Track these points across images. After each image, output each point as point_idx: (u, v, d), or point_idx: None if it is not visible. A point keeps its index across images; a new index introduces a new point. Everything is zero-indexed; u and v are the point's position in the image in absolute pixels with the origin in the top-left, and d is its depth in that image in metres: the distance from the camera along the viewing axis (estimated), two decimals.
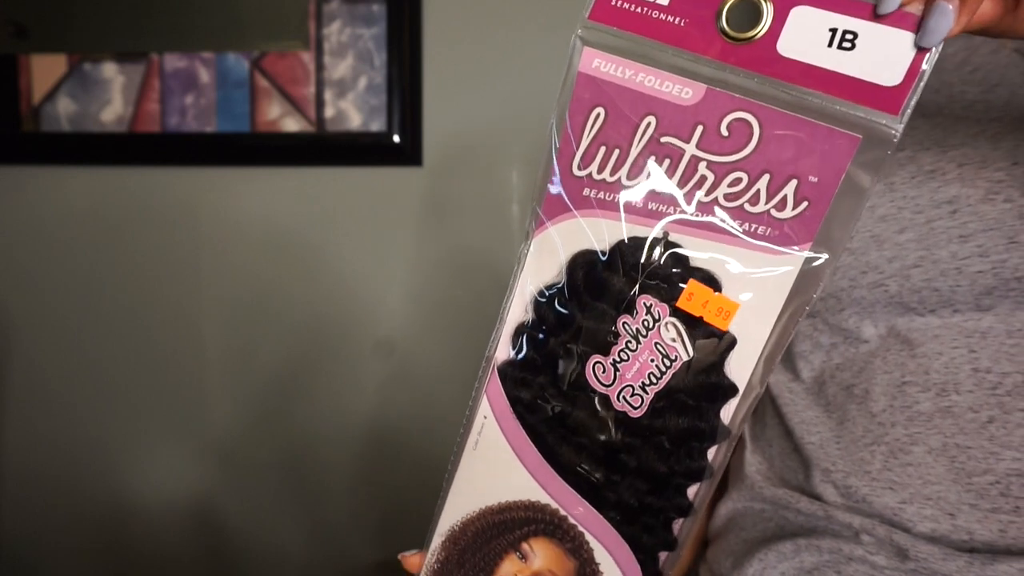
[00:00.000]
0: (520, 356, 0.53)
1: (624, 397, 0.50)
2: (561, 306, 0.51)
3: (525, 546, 0.56)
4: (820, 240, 0.45)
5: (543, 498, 0.55)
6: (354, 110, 1.51)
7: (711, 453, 0.51)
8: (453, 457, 0.57)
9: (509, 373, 0.54)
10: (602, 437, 0.52)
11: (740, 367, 0.49)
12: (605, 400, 0.51)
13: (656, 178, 0.47)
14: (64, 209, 1.61)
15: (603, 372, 0.50)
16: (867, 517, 0.70)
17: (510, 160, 1.52)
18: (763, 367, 0.48)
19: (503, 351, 0.54)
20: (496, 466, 0.55)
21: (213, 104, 1.54)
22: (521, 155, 1.51)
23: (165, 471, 1.67)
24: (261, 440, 1.64)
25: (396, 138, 1.51)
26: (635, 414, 0.51)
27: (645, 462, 0.52)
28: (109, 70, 1.55)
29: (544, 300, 0.51)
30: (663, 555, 0.55)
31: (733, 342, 0.48)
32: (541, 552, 0.56)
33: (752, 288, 0.47)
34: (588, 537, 0.54)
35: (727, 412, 0.50)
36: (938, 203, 0.64)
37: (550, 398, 0.53)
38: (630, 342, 0.49)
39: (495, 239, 1.52)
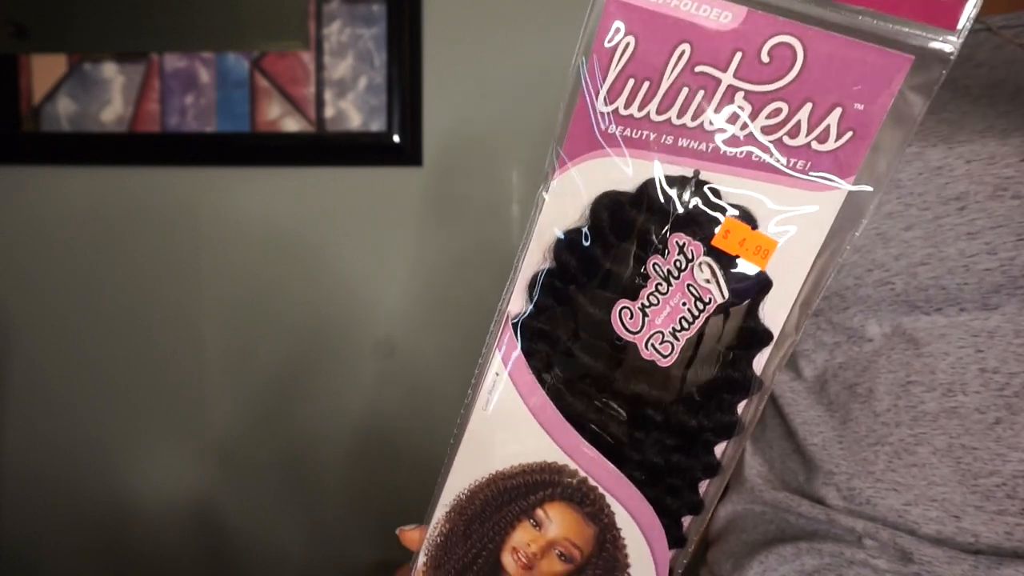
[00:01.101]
0: (537, 306, 0.50)
1: (653, 344, 0.48)
2: (584, 249, 0.48)
3: (540, 512, 0.53)
4: (864, 173, 0.43)
5: (561, 459, 0.52)
6: (354, 110, 1.51)
7: (741, 407, 0.50)
8: (460, 420, 0.54)
9: (525, 324, 0.51)
10: (626, 390, 0.49)
11: (774, 312, 0.47)
12: (632, 350, 0.48)
13: (689, 112, 0.45)
14: (64, 209, 1.60)
15: (631, 318, 0.48)
16: (870, 520, 0.69)
17: (510, 160, 1.51)
18: (798, 313, 0.46)
19: (517, 304, 0.51)
20: (509, 426, 0.52)
21: (213, 104, 1.53)
22: (521, 155, 1.51)
23: (165, 471, 1.66)
24: (261, 440, 1.63)
25: (396, 138, 1.50)
26: (664, 363, 0.48)
27: (673, 416, 0.49)
28: (109, 70, 1.54)
29: (565, 244, 0.48)
30: (687, 520, 0.52)
31: (768, 284, 0.46)
32: (557, 518, 0.53)
33: (789, 226, 0.45)
34: (609, 500, 0.52)
35: (759, 362, 0.48)
36: (946, 200, 0.64)
37: (570, 350, 0.50)
38: (660, 284, 0.47)
39: (495, 239, 1.52)
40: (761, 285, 0.46)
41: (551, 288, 0.50)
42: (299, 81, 1.51)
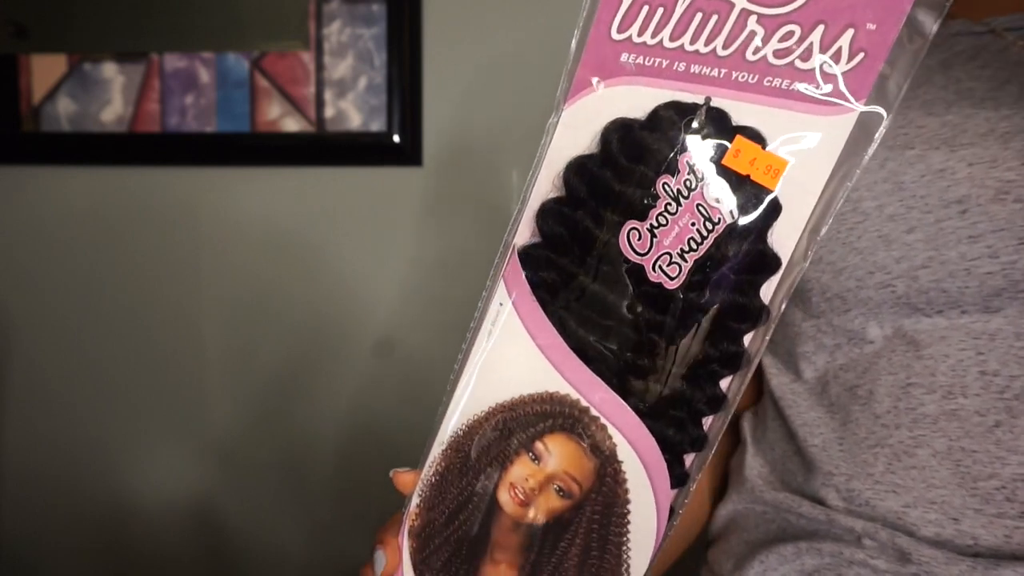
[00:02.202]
0: (544, 234, 0.50)
1: (660, 266, 0.47)
2: (593, 174, 0.48)
3: (539, 445, 0.52)
4: (876, 95, 0.43)
5: (563, 388, 0.51)
6: (354, 110, 1.50)
7: (747, 340, 0.49)
8: (461, 356, 0.53)
9: (531, 253, 0.50)
10: (632, 316, 0.48)
11: (783, 239, 0.46)
12: (638, 273, 0.48)
13: (702, 38, 0.44)
14: (64, 209, 1.60)
15: (639, 239, 0.47)
16: (870, 521, 0.69)
17: (510, 160, 1.50)
18: (807, 239, 0.46)
19: (524, 234, 0.51)
20: (511, 357, 0.51)
21: (213, 104, 1.53)
22: (521, 155, 1.50)
23: (165, 471, 1.65)
24: (261, 440, 1.63)
25: (396, 138, 1.50)
26: (671, 285, 0.47)
27: (678, 343, 0.48)
28: (109, 70, 1.54)
29: (574, 169, 0.48)
30: (689, 458, 0.51)
31: (778, 207, 0.45)
32: (557, 451, 0.52)
33: (800, 150, 0.44)
34: (611, 431, 0.50)
35: (766, 291, 0.47)
36: (947, 203, 0.64)
37: (577, 276, 0.49)
38: (670, 204, 0.46)
39: (495, 239, 1.50)
40: (771, 207, 0.46)
41: (559, 215, 0.49)
42: (299, 81, 1.51)
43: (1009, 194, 0.61)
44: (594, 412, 0.50)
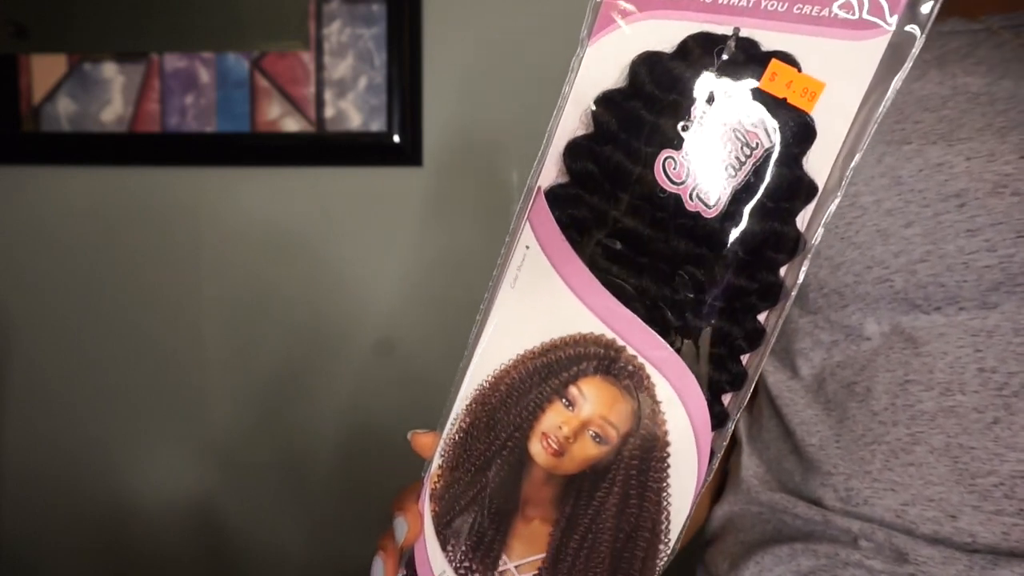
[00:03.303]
0: (573, 172, 0.48)
1: (698, 195, 0.45)
2: (624, 107, 0.46)
3: (573, 390, 0.49)
4: (908, 14, 0.41)
5: (596, 328, 0.48)
6: (354, 110, 1.50)
7: (783, 271, 0.47)
8: (483, 306, 0.51)
9: (559, 193, 0.48)
10: (668, 250, 0.46)
11: (817, 166, 0.45)
12: (675, 203, 0.46)
13: None
14: (64, 209, 1.59)
15: (675, 168, 0.45)
16: (867, 522, 0.69)
17: (510, 160, 1.50)
18: (840, 167, 0.44)
19: (549, 174, 0.49)
20: (539, 299, 0.49)
21: (213, 104, 1.52)
22: (521, 155, 1.50)
23: (165, 471, 1.64)
24: (261, 440, 1.62)
25: (396, 138, 1.49)
26: (709, 214, 0.45)
27: (717, 275, 0.46)
28: (109, 70, 1.53)
29: (603, 103, 0.46)
30: (727, 398, 0.49)
31: (814, 132, 0.44)
32: (592, 395, 0.49)
33: (833, 75, 0.43)
34: (650, 370, 0.47)
35: (802, 220, 0.46)
36: (945, 196, 0.64)
37: (608, 212, 0.47)
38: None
39: (495, 239, 1.50)
40: (807, 130, 0.44)
41: (588, 151, 0.47)
42: (299, 81, 1.50)
43: (1007, 187, 0.62)
44: (630, 351, 0.47)
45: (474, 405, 0.52)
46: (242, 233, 1.58)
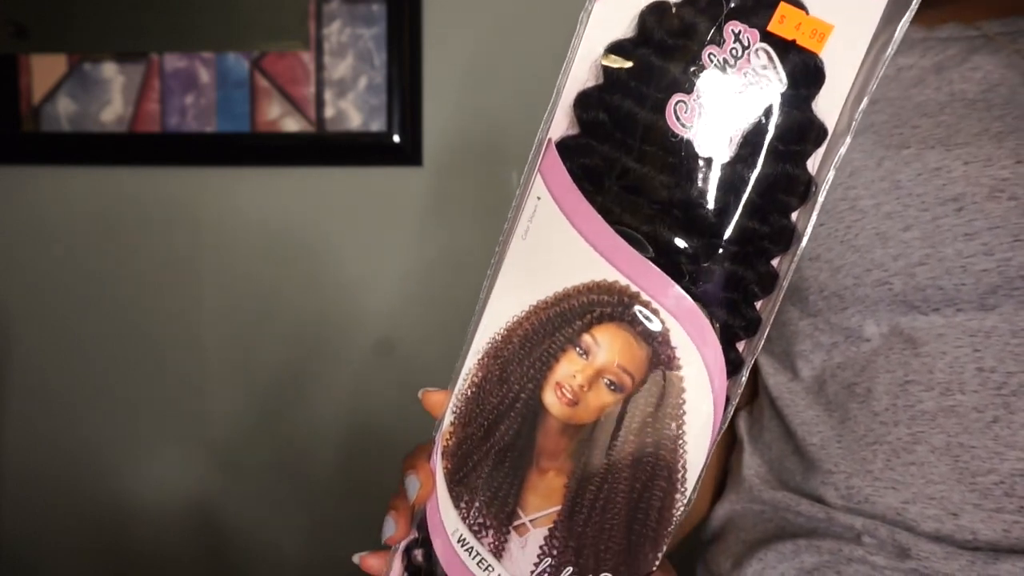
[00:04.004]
0: (584, 122, 0.47)
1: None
2: (635, 54, 0.45)
3: (587, 338, 0.48)
4: None
5: (610, 275, 0.47)
6: (354, 110, 1.49)
7: (794, 216, 0.46)
8: (494, 260, 0.50)
9: (570, 144, 0.48)
10: (681, 195, 0.46)
11: (826, 110, 0.45)
12: (687, 147, 0.45)
13: None
14: (64, 209, 1.58)
15: (686, 112, 0.45)
16: (869, 518, 0.69)
17: (510, 160, 1.49)
18: (849, 111, 0.44)
19: (560, 126, 0.48)
20: (551, 250, 0.48)
21: (213, 104, 1.52)
22: (521, 155, 1.50)
23: (165, 471, 1.64)
24: (261, 440, 1.61)
25: (396, 138, 1.49)
26: (720, 158, 0.45)
27: (730, 219, 0.45)
28: (109, 70, 1.52)
29: (614, 52, 0.46)
30: (741, 345, 0.48)
31: (823, 74, 0.44)
32: (607, 342, 0.48)
33: (841, 17, 0.43)
34: (664, 315, 0.46)
35: (812, 164, 0.45)
36: (944, 200, 0.65)
37: (620, 160, 0.46)
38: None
39: (495, 239, 1.50)
40: (816, 72, 0.44)
41: (599, 100, 0.47)
42: (299, 81, 1.50)
43: (1004, 192, 0.62)
44: (645, 297, 0.47)
45: (486, 359, 0.51)
46: (242, 233, 1.57)
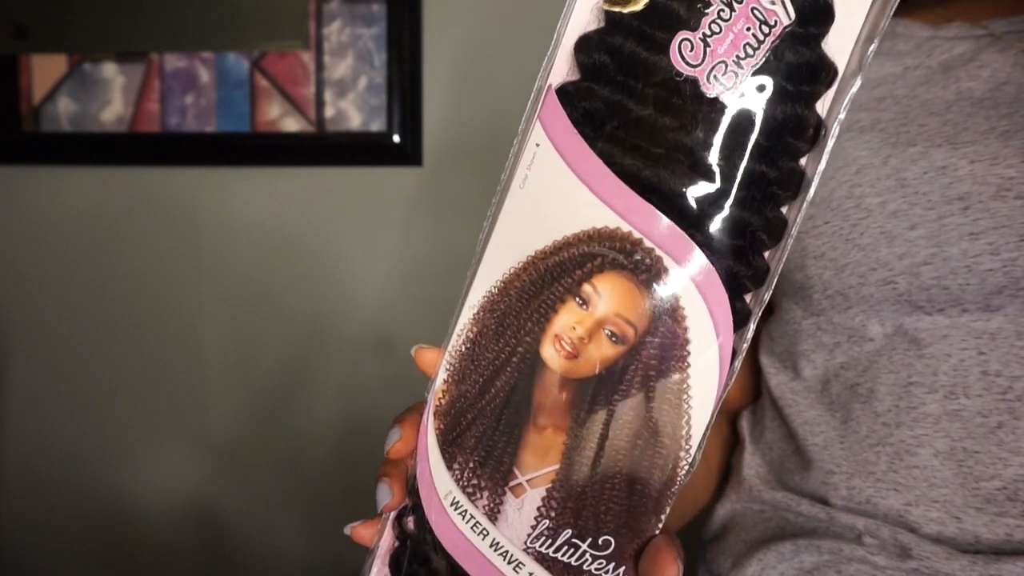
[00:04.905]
0: (585, 66, 0.45)
1: (716, 76, 0.42)
2: None
3: (587, 287, 0.45)
4: None
5: (611, 221, 0.44)
6: (354, 110, 1.48)
7: (803, 162, 0.44)
8: (490, 212, 0.47)
9: (570, 89, 0.45)
10: (685, 138, 0.43)
11: (837, 49, 0.42)
12: (692, 87, 0.43)
13: None
14: (64, 209, 1.57)
15: (691, 50, 0.42)
16: (871, 518, 0.68)
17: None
18: (860, 50, 0.42)
19: (560, 73, 0.46)
20: (551, 197, 0.45)
21: (213, 104, 1.51)
22: None
23: (165, 472, 1.62)
24: (261, 440, 1.60)
25: (396, 138, 1.48)
26: (727, 96, 0.42)
27: (737, 162, 0.43)
28: (109, 70, 1.51)
29: None
30: (748, 296, 0.45)
31: (832, 10, 0.41)
32: (607, 292, 0.45)
33: None
34: (668, 263, 0.44)
35: (822, 107, 0.43)
36: (950, 199, 0.64)
37: (622, 103, 0.44)
38: (723, 10, 0.42)
39: None
40: (826, 9, 0.42)
41: (601, 43, 0.44)
42: (299, 81, 1.49)
43: (1010, 191, 0.62)
44: (648, 243, 0.44)
45: (482, 313, 0.49)
46: (242, 233, 1.56)
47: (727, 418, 0.90)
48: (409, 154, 1.49)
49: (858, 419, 0.70)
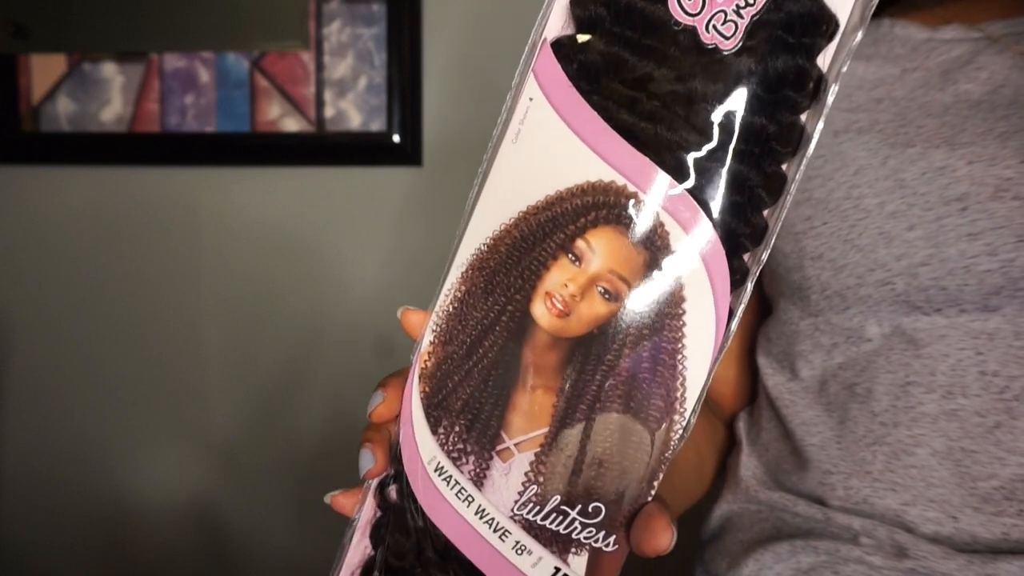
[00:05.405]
0: (581, 19, 0.43)
1: (714, 25, 0.41)
2: None
3: (579, 243, 0.43)
4: None
5: (606, 175, 0.42)
6: (354, 110, 1.48)
7: (803, 118, 0.42)
8: (482, 169, 0.46)
9: (565, 42, 0.43)
10: (682, 89, 0.42)
11: (839, 2, 0.41)
12: (690, 36, 0.41)
13: None
14: (64, 209, 1.56)
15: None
16: (868, 518, 0.68)
17: None
18: (861, 5, 0.40)
19: (555, 26, 0.44)
20: (544, 151, 0.44)
21: (213, 104, 1.50)
22: None
23: (165, 472, 1.61)
24: (262, 440, 1.59)
25: (396, 138, 1.47)
26: (726, 46, 0.41)
27: (735, 115, 0.41)
28: (109, 70, 1.50)
29: None
30: (747, 256, 0.44)
31: None
32: (601, 247, 0.43)
33: None
34: (664, 217, 0.42)
35: (823, 62, 0.42)
36: (948, 200, 0.64)
37: (619, 55, 0.43)
38: None
39: None
40: (828, 19, 0.40)
41: None
42: (299, 81, 1.48)
43: (1008, 191, 0.62)
44: (643, 197, 0.42)
45: (470, 271, 0.47)
46: (242, 233, 1.55)
47: (724, 422, 0.90)
48: (409, 154, 1.48)
49: (855, 419, 0.70)
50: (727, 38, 0.41)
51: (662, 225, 0.42)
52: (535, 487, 0.45)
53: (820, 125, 0.42)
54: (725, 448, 0.89)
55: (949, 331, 0.65)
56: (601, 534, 0.45)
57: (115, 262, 1.58)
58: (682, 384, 0.44)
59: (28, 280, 1.60)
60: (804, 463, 0.74)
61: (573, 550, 0.45)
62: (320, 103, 1.48)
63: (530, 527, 0.45)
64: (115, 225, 1.57)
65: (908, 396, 0.67)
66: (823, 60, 0.42)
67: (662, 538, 0.42)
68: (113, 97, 1.51)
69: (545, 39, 0.44)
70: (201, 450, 1.61)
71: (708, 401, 0.89)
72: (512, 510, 0.46)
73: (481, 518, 0.46)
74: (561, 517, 0.45)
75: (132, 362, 1.60)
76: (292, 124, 1.49)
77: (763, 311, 0.85)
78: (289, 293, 1.56)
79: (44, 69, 1.52)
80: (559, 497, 0.45)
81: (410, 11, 1.46)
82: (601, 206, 0.43)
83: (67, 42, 1.52)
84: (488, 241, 0.46)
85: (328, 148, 1.50)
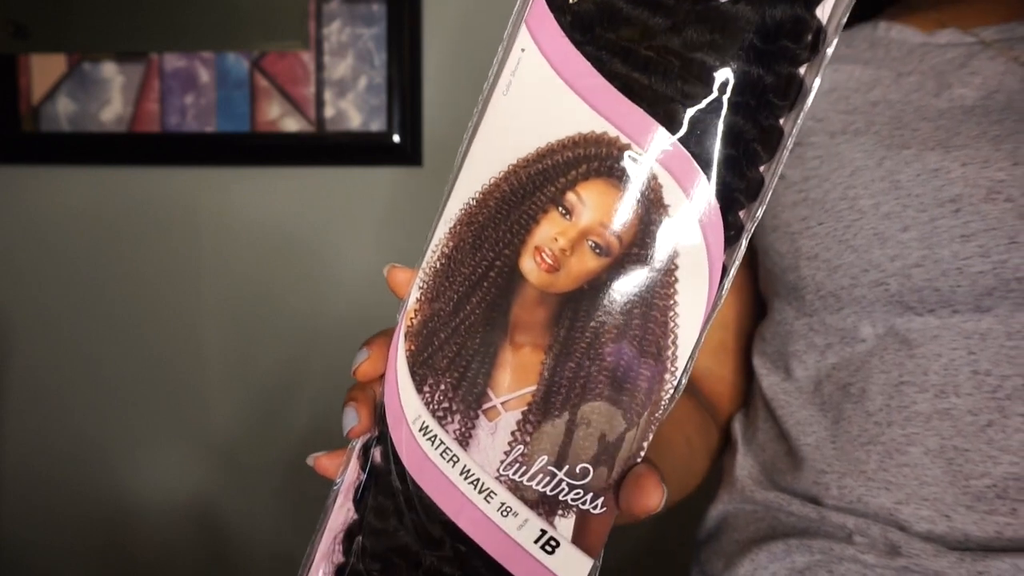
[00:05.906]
0: None
1: None
2: None
3: (570, 196, 0.42)
4: None
5: (598, 126, 0.41)
6: (354, 110, 1.47)
7: (802, 71, 0.41)
8: (471, 123, 0.45)
9: None
10: (677, 39, 0.40)
11: None
12: None
13: None
14: (64, 209, 1.56)
15: None
16: (862, 517, 0.69)
17: None
18: None
19: None
20: (535, 103, 0.43)
21: (213, 104, 1.49)
22: None
23: (165, 472, 1.61)
24: (261, 440, 1.58)
25: (396, 138, 1.46)
26: None
27: (732, 64, 0.40)
28: (109, 70, 1.50)
29: None
30: (743, 213, 0.42)
31: None
32: (592, 200, 0.42)
33: None
34: (657, 170, 0.41)
35: (823, 13, 0.40)
36: (941, 202, 0.65)
37: (613, 3, 0.41)
38: None
39: None
40: None
41: None
42: (299, 81, 1.47)
43: (1000, 194, 0.63)
44: (636, 149, 0.41)
45: (458, 227, 0.45)
46: (242, 233, 1.55)
47: (720, 424, 0.90)
48: (409, 154, 1.48)
49: (849, 419, 0.71)
50: None
51: (655, 178, 0.41)
52: (521, 447, 0.44)
53: (818, 81, 0.41)
54: (717, 449, 0.89)
55: (942, 331, 0.66)
56: (589, 496, 0.43)
57: (115, 262, 1.57)
58: (673, 343, 0.42)
59: (28, 280, 1.59)
60: (799, 463, 0.75)
61: (560, 512, 0.44)
62: (320, 103, 1.48)
63: (516, 488, 0.44)
64: (115, 225, 1.56)
65: (901, 396, 0.68)
66: (822, 12, 0.40)
67: (652, 496, 0.41)
68: (113, 97, 1.51)
69: None
70: (201, 450, 1.60)
71: (705, 401, 0.89)
72: (498, 471, 0.44)
73: (466, 479, 0.45)
74: (548, 478, 0.43)
75: (132, 362, 1.59)
76: (292, 124, 1.48)
77: (760, 313, 0.85)
78: (289, 293, 1.55)
79: (44, 69, 1.51)
80: (546, 457, 0.43)
81: (410, 11, 1.45)
82: (593, 158, 0.42)
83: (67, 42, 1.51)
84: (477, 195, 0.45)
85: (328, 148, 1.49)
